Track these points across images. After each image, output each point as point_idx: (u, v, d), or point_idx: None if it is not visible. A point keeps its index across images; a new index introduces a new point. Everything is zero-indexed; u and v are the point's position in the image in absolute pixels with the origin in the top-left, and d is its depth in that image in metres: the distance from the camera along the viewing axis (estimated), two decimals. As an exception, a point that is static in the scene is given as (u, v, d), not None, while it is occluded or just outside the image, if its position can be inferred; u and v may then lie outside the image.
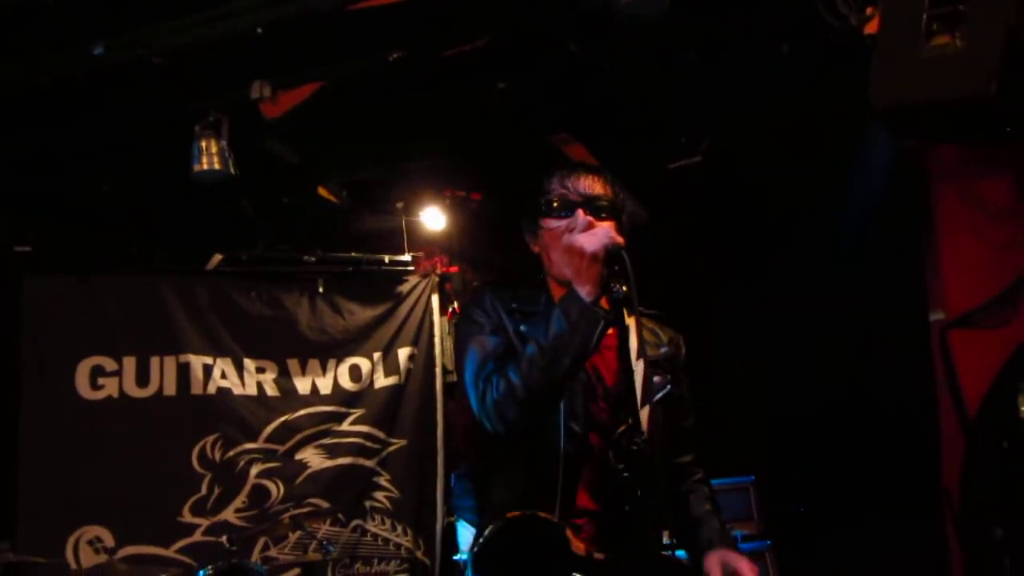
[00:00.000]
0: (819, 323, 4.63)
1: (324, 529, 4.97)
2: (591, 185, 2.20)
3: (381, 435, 5.30)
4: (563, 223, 2.17)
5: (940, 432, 4.09)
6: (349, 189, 5.29)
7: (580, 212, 2.16)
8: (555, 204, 2.19)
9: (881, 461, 4.28)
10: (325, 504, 5.07)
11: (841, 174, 4.46)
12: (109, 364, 4.89)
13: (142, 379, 4.93)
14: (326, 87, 3.94)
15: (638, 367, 2.14)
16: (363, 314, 5.46)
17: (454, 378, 5.53)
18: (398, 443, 5.32)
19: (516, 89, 3.94)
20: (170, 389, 4.97)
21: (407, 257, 5.58)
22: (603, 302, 2.06)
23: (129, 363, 4.93)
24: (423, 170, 5.23)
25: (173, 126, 4.16)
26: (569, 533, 2.02)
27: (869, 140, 4.22)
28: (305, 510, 4.97)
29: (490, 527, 2.01)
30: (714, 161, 4.53)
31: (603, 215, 2.18)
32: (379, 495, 5.21)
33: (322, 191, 5.26)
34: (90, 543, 4.60)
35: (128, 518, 4.69)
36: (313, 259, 5.38)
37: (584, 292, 2.03)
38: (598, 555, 2.06)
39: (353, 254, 5.49)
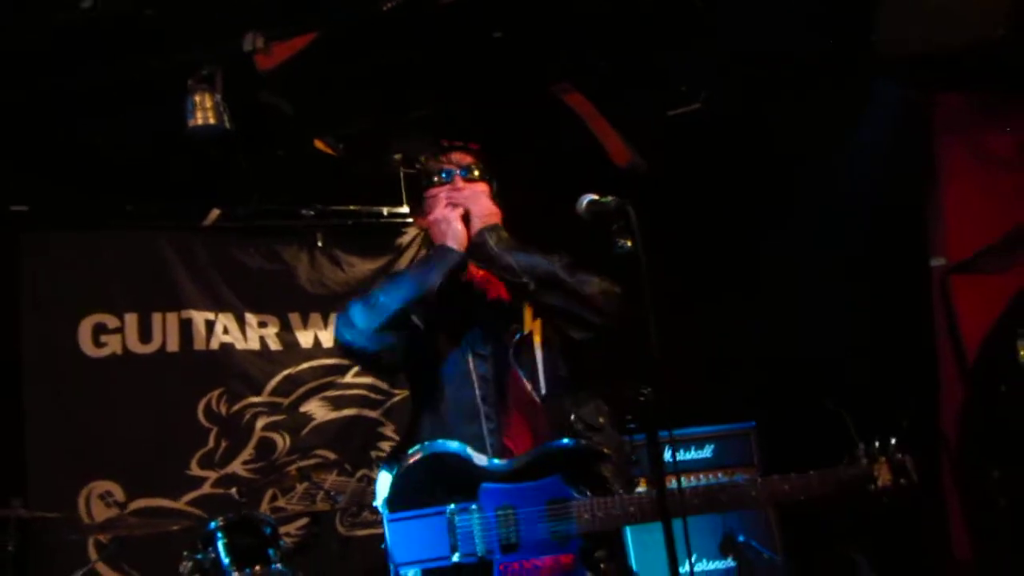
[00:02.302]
0: (821, 270, 4.63)
1: (331, 479, 5.04)
2: (462, 157, 2.57)
3: (384, 386, 5.34)
4: (441, 190, 2.54)
5: (939, 376, 4.14)
6: (345, 141, 5.23)
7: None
8: (435, 177, 2.56)
9: (881, 407, 4.32)
10: (331, 455, 5.14)
11: (846, 123, 4.42)
12: (111, 321, 4.91)
13: (145, 336, 4.96)
14: (320, 38, 3.88)
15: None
16: (363, 267, 5.45)
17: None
18: (402, 393, 5.35)
19: (514, 38, 3.89)
20: (173, 345, 4.99)
21: (405, 209, 5.55)
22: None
23: (131, 320, 4.95)
24: (420, 121, 5.17)
25: (167, 80, 4.11)
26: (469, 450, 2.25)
27: (875, 89, 4.18)
28: (312, 461, 5.05)
29: (397, 466, 2.23)
30: (715, 109, 4.49)
31: (476, 178, 2.55)
32: (385, 445, 5.28)
33: (318, 143, 5.20)
34: (101, 497, 4.67)
35: (137, 472, 4.75)
36: (311, 212, 5.35)
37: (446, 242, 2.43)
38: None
39: (351, 207, 5.46)
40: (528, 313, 2.45)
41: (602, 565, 2.17)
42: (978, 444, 3.93)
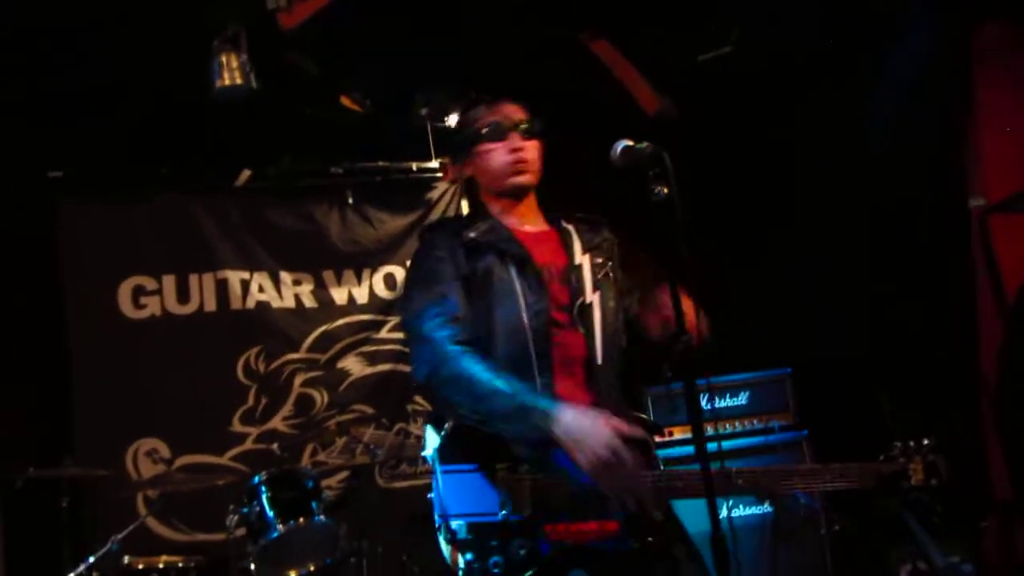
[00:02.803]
0: (854, 211, 4.56)
1: (369, 433, 5.10)
2: (515, 111, 2.43)
3: (419, 341, 5.38)
4: (498, 145, 2.39)
5: (978, 318, 4.08)
6: (372, 97, 5.22)
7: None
8: (487, 130, 2.41)
9: (919, 350, 4.28)
10: (369, 410, 5.21)
11: (880, 55, 4.31)
12: (149, 284, 4.99)
13: (182, 296, 5.04)
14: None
15: (584, 260, 2.39)
16: (393, 223, 5.47)
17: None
18: (436, 348, 5.40)
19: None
20: (210, 305, 5.07)
21: (434, 164, 5.54)
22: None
23: (168, 282, 5.03)
24: (447, 73, 5.13)
25: (192, 42, 4.12)
26: None
27: (910, 17, 4.06)
28: (350, 416, 5.12)
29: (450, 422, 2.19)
30: (746, 50, 4.39)
31: (534, 135, 2.42)
32: (420, 399, 5.34)
33: (345, 100, 5.19)
34: (148, 455, 4.80)
35: (181, 430, 4.86)
36: (340, 171, 5.36)
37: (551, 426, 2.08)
38: None
39: (380, 163, 5.46)
40: (589, 279, 2.38)
41: (650, 539, 2.17)
42: (1017, 386, 3.88)
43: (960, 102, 4.12)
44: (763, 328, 4.83)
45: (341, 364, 5.24)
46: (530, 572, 2.07)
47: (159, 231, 5.07)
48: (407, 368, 5.33)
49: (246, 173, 5.19)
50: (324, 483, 4.55)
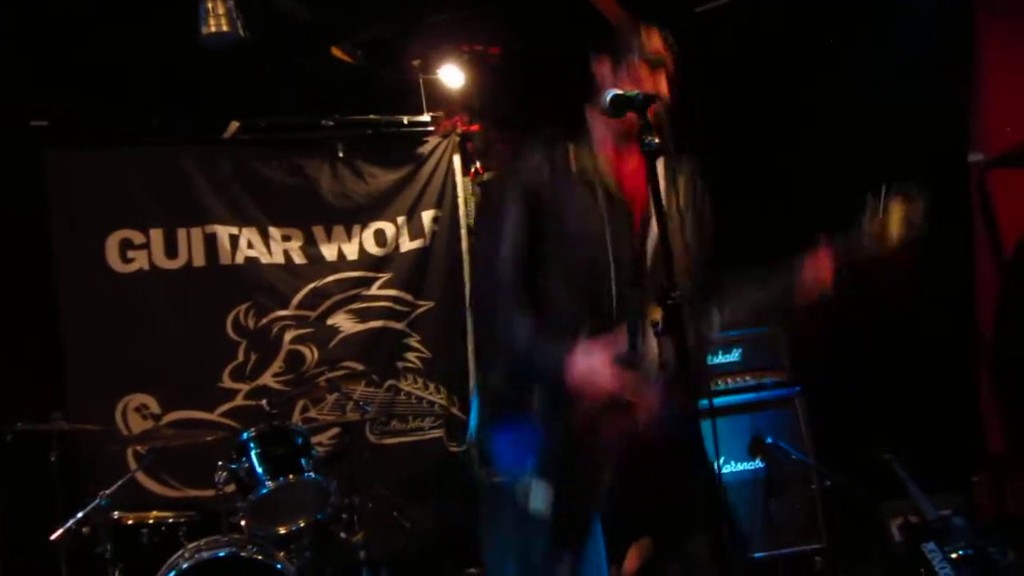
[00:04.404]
0: (853, 164, 4.49)
1: (360, 390, 5.10)
2: (659, 46, 2.33)
3: (409, 298, 5.34)
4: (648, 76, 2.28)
5: (975, 272, 4.05)
6: (363, 48, 5.11)
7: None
8: (650, 57, 2.30)
9: (914, 305, 4.24)
10: (359, 366, 5.18)
11: (884, 10, 4.22)
12: (137, 237, 4.91)
13: (171, 251, 4.97)
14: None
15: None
16: (385, 177, 5.39)
17: (481, 239, 5.51)
18: (426, 305, 5.37)
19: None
20: (199, 260, 5.00)
21: (426, 117, 5.46)
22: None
23: (156, 235, 4.95)
24: (439, 25, 5.02)
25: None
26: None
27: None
28: (340, 373, 5.10)
29: None
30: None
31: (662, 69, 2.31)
32: (411, 356, 5.31)
33: (336, 51, 5.09)
34: (137, 410, 4.77)
35: (171, 385, 4.82)
36: (331, 123, 5.26)
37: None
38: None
39: (371, 116, 5.37)
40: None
41: None
42: (1015, 339, 3.86)
43: (961, 59, 4.05)
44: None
45: (331, 321, 5.19)
46: None
47: (147, 184, 4.96)
48: (398, 325, 5.31)
49: (234, 125, 5.09)
50: (314, 439, 4.55)
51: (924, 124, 4.14)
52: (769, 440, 4.14)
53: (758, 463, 4.23)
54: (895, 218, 2.38)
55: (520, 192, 2.29)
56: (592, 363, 2.13)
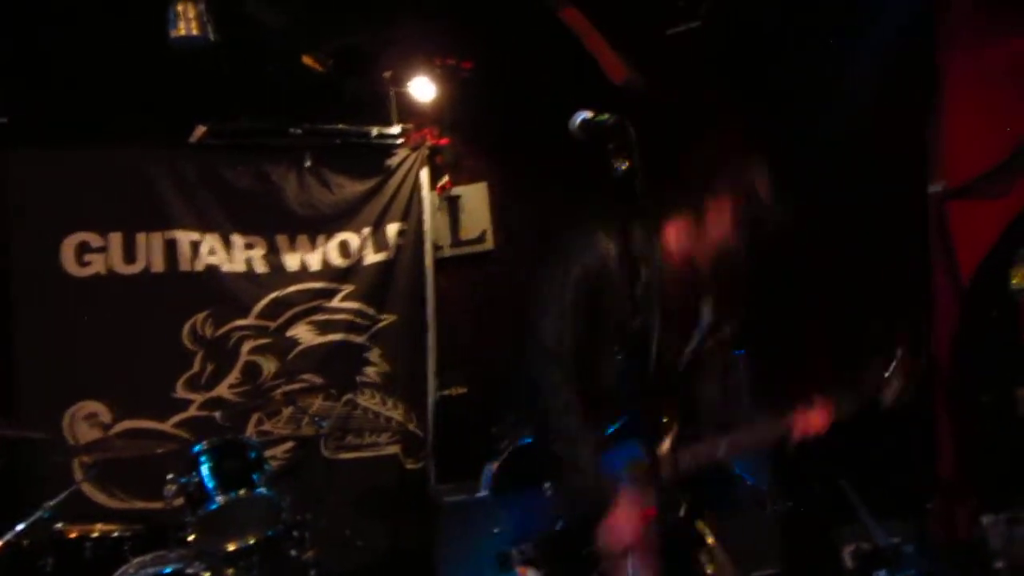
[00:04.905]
0: (817, 193, 4.54)
1: (317, 404, 5.02)
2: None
3: (371, 311, 5.28)
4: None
5: (933, 302, 4.09)
6: (335, 58, 5.07)
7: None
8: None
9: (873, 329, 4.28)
10: (317, 380, 5.10)
11: (849, 38, 4.27)
12: (95, 240, 4.81)
13: (129, 256, 4.87)
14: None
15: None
16: (351, 188, 5.34)
17: (444, 253, 5.47)
18: (388, 319, 5.31)
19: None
20: (158, 266, 4.91)
21: (396, 130, 5.42)
22: None
23: (115, 239, 4.85)
24: (411, 37, 5.01)
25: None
26: None
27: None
28: (298, 386, 5.02)
29: None
30: (714, 26, 4.33)
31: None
32: (370, 370, 5.25)
33: (307, 59, 5.04)
34: (86, 418, 4.65)
35: (124, 394, 4.71)
36: (299, 131, 5.21)
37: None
38: None
39: (340, 126, 5.32)
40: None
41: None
42: (970, 370, 3.91)
43: (925, 89, 4.11)
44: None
45: (291, 332, 5.12)
46: None
47: (108, 186, 4.87)
48: (358, 338, 5.24)
49: (201, 129, 5.02)
50: (268, 453, 4.46)
51: (885, 156, 4.19)
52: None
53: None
54: (902, 382, 2.71)
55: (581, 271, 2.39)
56: (626, 518, 2.26)
